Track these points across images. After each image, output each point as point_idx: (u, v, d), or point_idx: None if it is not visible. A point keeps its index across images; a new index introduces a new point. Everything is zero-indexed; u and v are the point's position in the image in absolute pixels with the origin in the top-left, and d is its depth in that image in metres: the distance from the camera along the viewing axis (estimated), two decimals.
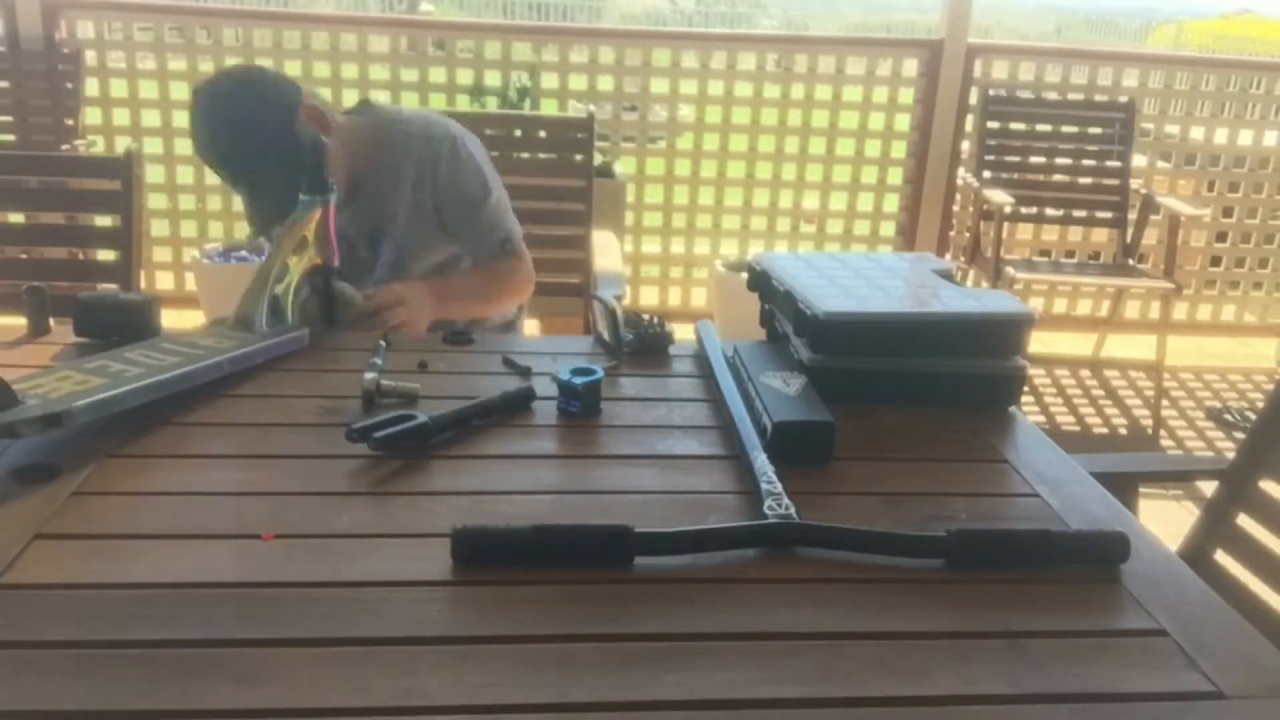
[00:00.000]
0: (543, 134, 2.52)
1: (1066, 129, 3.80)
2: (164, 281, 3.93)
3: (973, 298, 1.53)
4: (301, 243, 1.57)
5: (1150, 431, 3.42)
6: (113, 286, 1.98)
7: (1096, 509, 1.14)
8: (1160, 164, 4.14)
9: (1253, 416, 2.15)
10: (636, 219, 4.00)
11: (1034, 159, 3.80)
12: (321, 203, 1.57)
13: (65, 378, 1.22)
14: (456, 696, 0.78)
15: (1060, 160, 3.80)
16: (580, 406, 1.30)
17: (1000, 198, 3.41)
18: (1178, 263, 3.62)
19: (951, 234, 4.06)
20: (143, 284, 2.17)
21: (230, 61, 3.73)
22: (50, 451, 1.13)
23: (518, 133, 2.53)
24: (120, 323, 1.44)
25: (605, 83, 3.86)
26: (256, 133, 1.64)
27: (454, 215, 1.85)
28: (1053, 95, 3.97)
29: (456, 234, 1.87)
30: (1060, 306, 4.21)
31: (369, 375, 1.31)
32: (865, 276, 1.52)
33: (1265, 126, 4.09)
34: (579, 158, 2.42)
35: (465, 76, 3.82)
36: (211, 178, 3.75)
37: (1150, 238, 3.78)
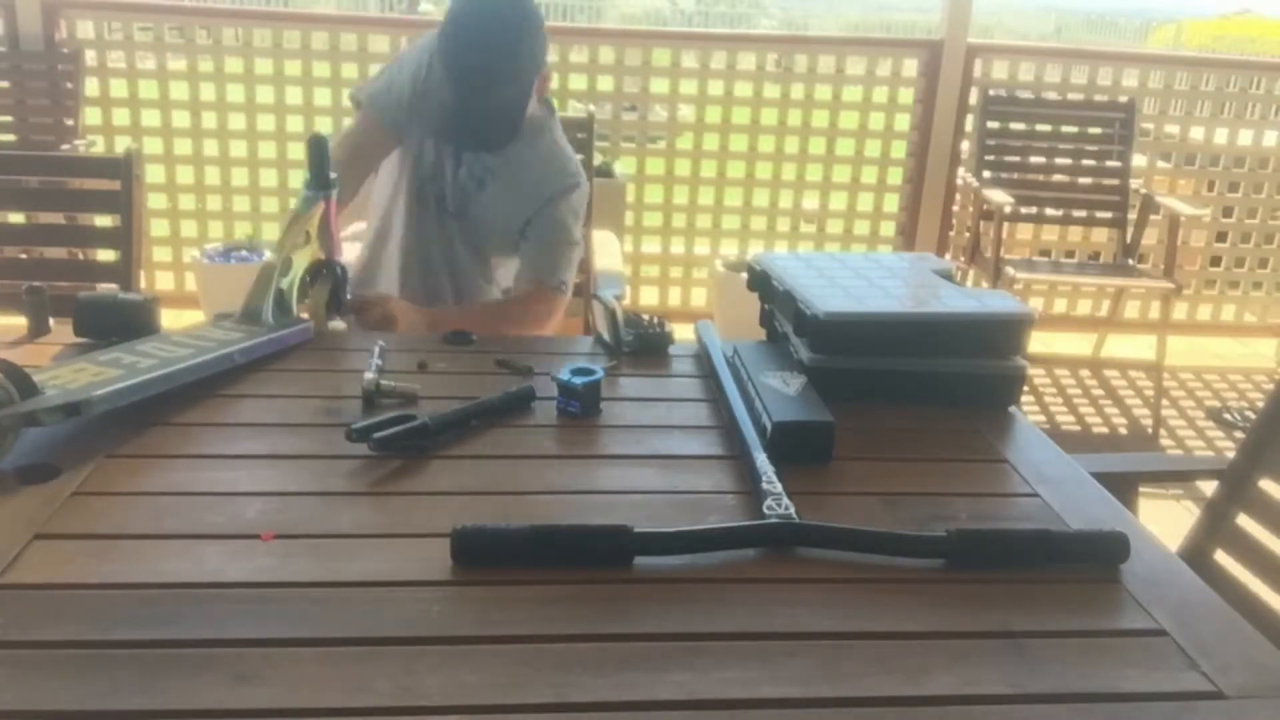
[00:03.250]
0: None
1: (1066, 129, 3.80)
2: (164, 281, 3.93)
3: (973, 298, 1.53)
4: (305, 238, 1.59)
5: (1150, 431, 3.42)
6: (113, 286, 1.98)
7: (1096, 509, 1.14)
8: (1160, 164, 4.14)
9: (1253, 416, 2.15)
10: (636, 219, 4.00)
11: (1034, 159, 3.80)
12: (324, 198, 1.59)
13: (81, 370, 1.24)
14: (456, 696, 0.78)
15: (1060, 160, 3.80)
16: (580, 406, 1.30)
17: (1000, 198, 3.41)
18: (1178, 263, 3.62)
19: (951, 234, 4.06)
20: (143, 284, 2.18)
21: (230, 61, 3.74)
22: (50, 451, 1.13)
23: None
24: (120, 323, 1.44)
25: (605, 83, 3.86)
26: (520, 57, 1.74)
27: (542, 235, 1.88)
28: (1053, 95, 3.97)
29: (532, 246, 1.90)
30: (1060, 306, 4.21)
31: (369, 375, 1.31)
32: (865, 276, 1.52)
33: (1265, 126, 4.09)
34: (579, 158, 2.42)
35: None
36: (211, 177, 3.81)
37: (1150, 238, 3.78)
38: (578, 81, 3.85)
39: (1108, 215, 3.73)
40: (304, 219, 1.57)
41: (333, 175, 1.60)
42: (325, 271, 1.62)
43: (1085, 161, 3.78)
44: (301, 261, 1.59)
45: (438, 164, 1.89)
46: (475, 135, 1.81)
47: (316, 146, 1.59)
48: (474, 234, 1.92)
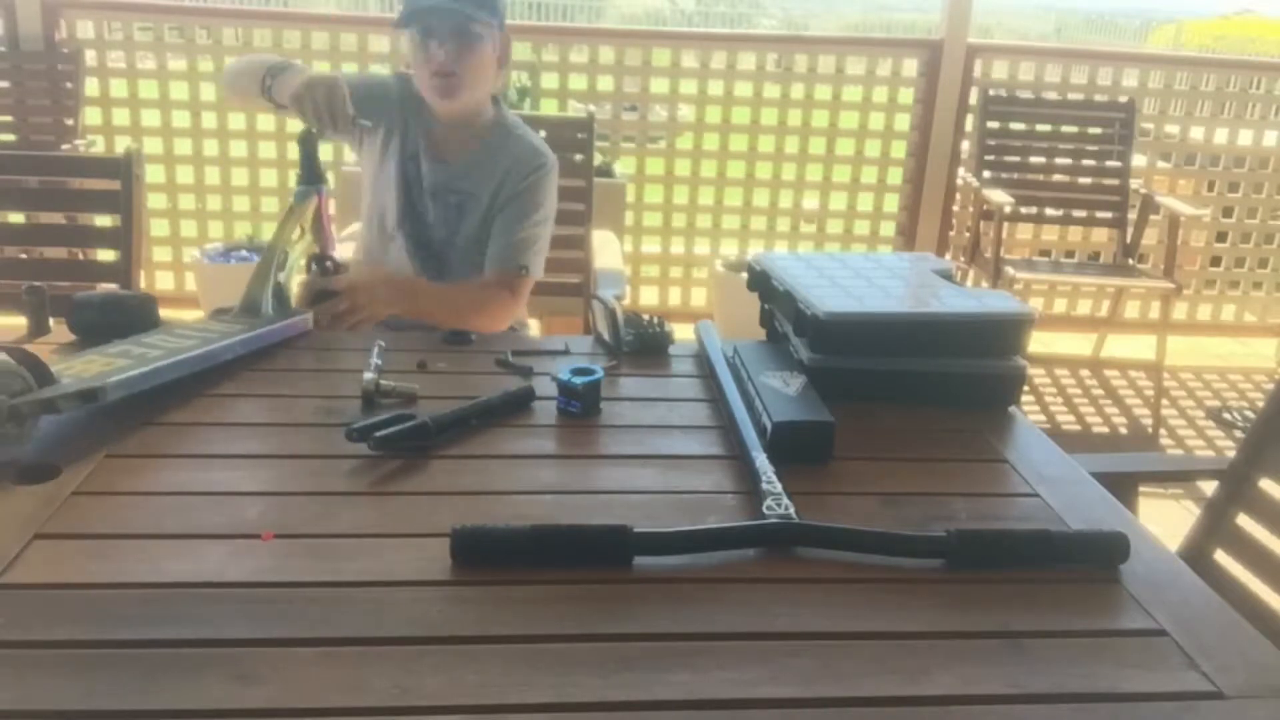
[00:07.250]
0: (543, 134, 2.52)
1: (1066, 129, 3.80)
2: (164, 281, 3.93)
3: (973, 298, 1.53)
4: (300, 232, 1.62)
5: (1150, 431, 3.42)
6: (112, 286, 1.99)
7: (1096, 509, 1.14)
8: (1160, 164, 4.14)
9: (1253, 416, 2.15)
10: (636, 219, 3.99)
11: (1034, 159, 3.80)
12: (317, 192, 1.62)
13: (91, 361, 1.25)
14: (456, 696, 0.78)
15: (1060, 160, 3.80)
16: (580, 406, 1.30)
17: (1000, 198, 3.41)
18: (1178, 263, 3.62)
19: (951, 234, 4.06)
20: (142, 283, 2.18)
21: (230, 61, 3.74)
22: (50, 451, 1.13)
23: None
24: (116, 321, 1.44)
25: (605, 83, 3.86)
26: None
27: (503, 216, 1.88)
28: (1053, 95, 3.97)
29: (498, 228, 1.88)
30: (1060, 306, 4.21)
31: (369, 375, 1.31)
32: (865, 276, 1.52)
33: (1265, 126, 4.09)
34: (579, 158, 2.43)
35: None
36: (211, 177, 3.81)
37: (1150, 238, 3.78)
38: (578, 81, 3.85)
39: (1108, 215, 3.74)
40: (298, 212, 1.61)
41: (324, 171, 1.64)
42: (315, 265, 1.65)
43: (1085, 161, 3.78)
44: (298, 255, 1.62)
45: (408, 204, 1.90)
46: (434, 9, 1.77)
47: (306, 142, 1.63)
48: (467, 251, 1.92)
